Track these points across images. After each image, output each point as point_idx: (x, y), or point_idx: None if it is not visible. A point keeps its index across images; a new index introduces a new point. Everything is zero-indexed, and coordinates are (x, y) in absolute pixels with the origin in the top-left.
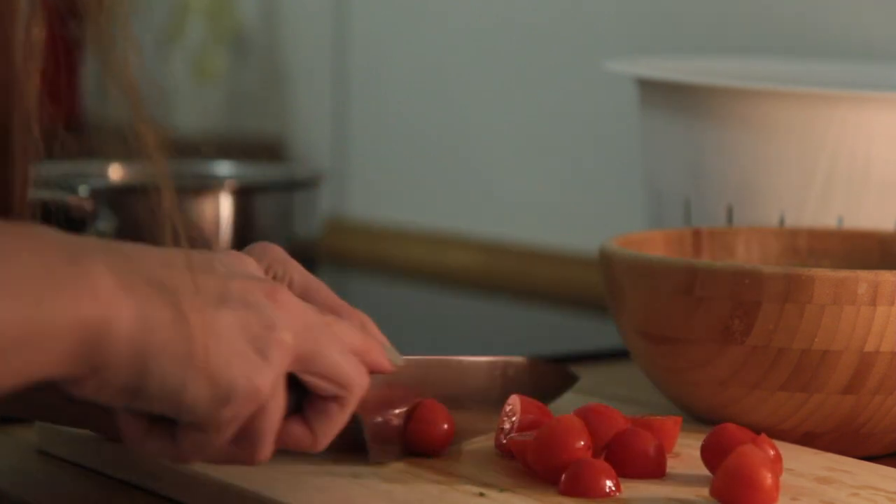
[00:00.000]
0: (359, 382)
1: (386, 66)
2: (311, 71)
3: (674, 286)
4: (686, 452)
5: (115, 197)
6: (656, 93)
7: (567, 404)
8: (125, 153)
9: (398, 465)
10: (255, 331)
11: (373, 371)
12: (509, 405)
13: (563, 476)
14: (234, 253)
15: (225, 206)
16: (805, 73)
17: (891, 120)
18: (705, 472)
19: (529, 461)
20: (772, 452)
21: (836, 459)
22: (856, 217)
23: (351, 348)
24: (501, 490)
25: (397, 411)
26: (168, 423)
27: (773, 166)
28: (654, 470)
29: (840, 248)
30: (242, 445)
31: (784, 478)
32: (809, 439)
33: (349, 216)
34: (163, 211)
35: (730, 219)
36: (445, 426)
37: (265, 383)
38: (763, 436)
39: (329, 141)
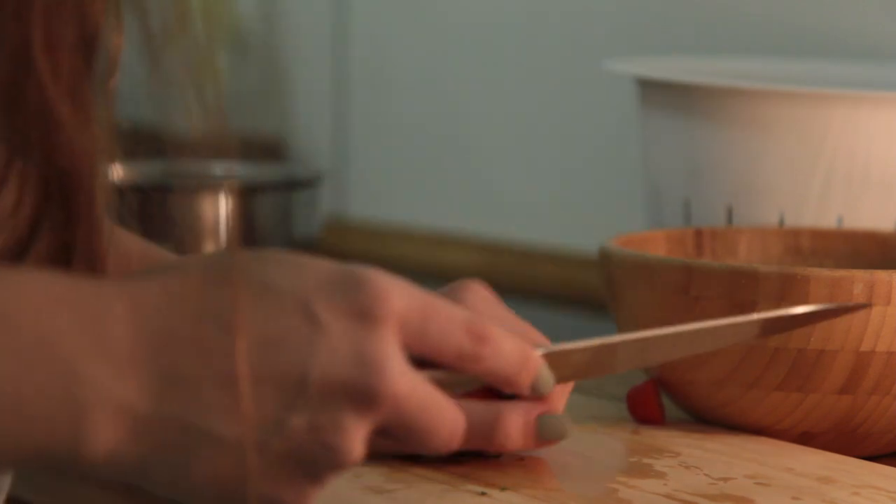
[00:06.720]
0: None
1: (386, 65)
2: (311, 71)
3: (671, 286)
4: (686, 452)
5: (114, 196)
6: (656, 93)
7: (567, 404)
8: (125, 153)
9: (399, 465)
10: (312, 452)
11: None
12: None
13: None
14: (299, 261)
15: (225, 206)
16: (805, 73)
17: (890, 120)
18: (705, 471)
19: None
20: None
21: (836, 459)
22: (856, 217)
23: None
24: (503, 489)
25: None
26: None
27: (773, 166)
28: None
29: (842, 248)
30: None
31: (785, 477)
32: (806, 439)
33: (349, 216)
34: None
35: (729, 219)
36: None
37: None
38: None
39: (329, 141)
